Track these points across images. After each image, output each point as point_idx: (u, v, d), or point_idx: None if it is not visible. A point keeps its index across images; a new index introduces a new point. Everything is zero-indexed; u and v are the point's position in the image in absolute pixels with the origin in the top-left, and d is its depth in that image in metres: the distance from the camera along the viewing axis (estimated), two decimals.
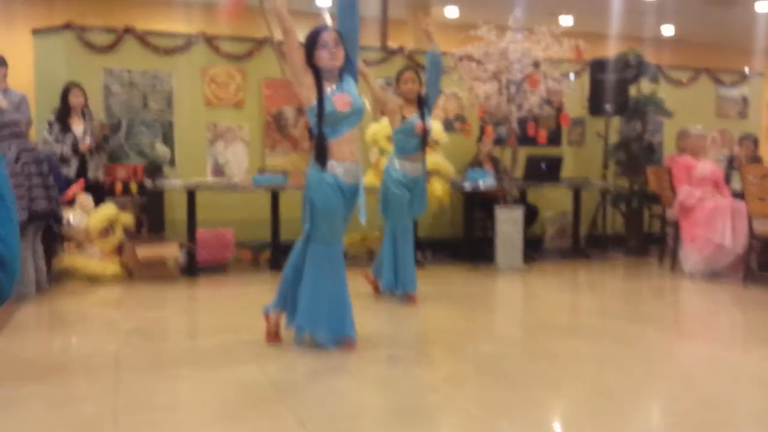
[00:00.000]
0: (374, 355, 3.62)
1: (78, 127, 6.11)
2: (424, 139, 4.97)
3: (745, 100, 9.11)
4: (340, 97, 3.56)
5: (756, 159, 7.10)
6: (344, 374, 3.34)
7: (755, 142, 7.17)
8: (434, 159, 6.58)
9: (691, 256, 6.26)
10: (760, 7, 11.00)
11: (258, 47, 7.09)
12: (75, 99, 6.10)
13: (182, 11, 9.89)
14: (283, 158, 7.13)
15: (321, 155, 3.59)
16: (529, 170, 7.04)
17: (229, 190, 6.25)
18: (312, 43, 3.59)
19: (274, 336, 3.82)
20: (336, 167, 3.59)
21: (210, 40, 6.93)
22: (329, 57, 3.56)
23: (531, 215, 7.02)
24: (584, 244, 7.60)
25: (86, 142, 6.06)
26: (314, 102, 3.58)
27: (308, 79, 3.59)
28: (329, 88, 3.59)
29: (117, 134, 6.57)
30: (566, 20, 10.99)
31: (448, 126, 7.42)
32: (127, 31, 6.69)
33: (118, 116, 6.61)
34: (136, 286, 5.49)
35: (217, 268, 6.34)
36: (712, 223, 6.09)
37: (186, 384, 3.20)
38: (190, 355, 3.75)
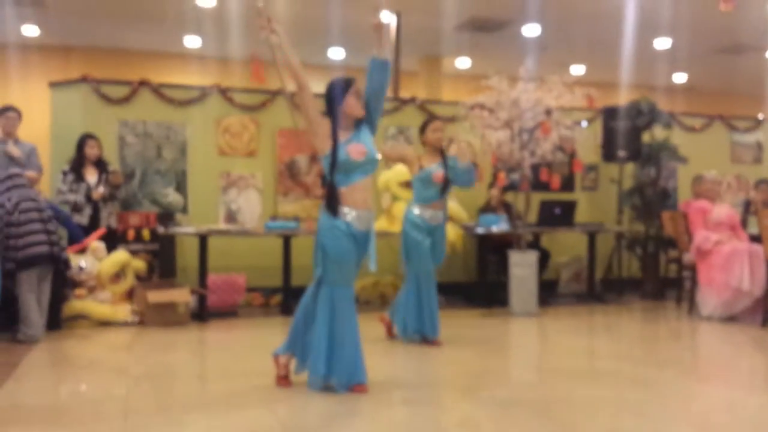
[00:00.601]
0: (388, 398, 3.58)
1: (92, 177, 6.21)
2: (444, 188, 5.01)
3: (759, 146, 9.09)
4: (355, 146, 3.64)
5: None
6: (357, 417, 3.30)
7: None
8: (447, 204, 6.59)
9: (708, 299, 6.18)
10: None
11: (271, 98, 7.21)
12: (90, 150, 6.22)
13: (197, 64, 10.16)
14: (296, 205, 7.18)
15: (332, 203, 3.63)
16: (543, 215, 7.02)
17: (240, 235, 6.27)
18: (341, 91, 3.70)
19: (283, 379, 3.78)
20: (348, 214, 3.63)
21: (224, 92, 7.08)
22: (358, 107, 3.69)
23: (543, 259, 6.97)
24: (600, 289, 7.53)
25: (99, 191, 6.14)
26: (329, 150, 3.64)
27: (324, 128, 3.67)
28: (344, 137, 3.66)
29: (131, 183, 6.65)
30: (578, 70, 11.14)
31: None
32: (143, 83, 6.85)
33: (132, 166, 6.72)
34: (147, 331, 5.47)
35: (228, 313, 6.32)
36: (729, 267, 6.02)
37: (195, 429, 3.15)
38: (199, 399, 3.71)
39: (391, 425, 3.23)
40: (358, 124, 3.74)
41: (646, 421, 3.24)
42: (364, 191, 3.69)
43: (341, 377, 3.62)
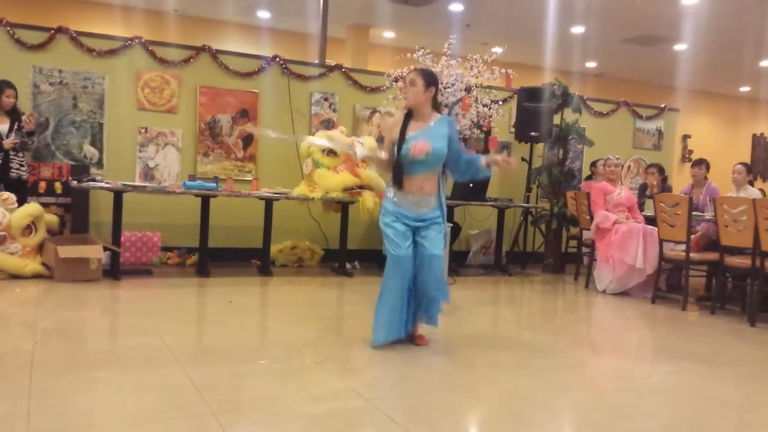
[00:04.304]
0: (300, 362, 3.66)
1: (4, 125, 5.99)
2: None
3: (660, 133, 9.64)
4: (419, 143, 3.81)
5: (667, 188, 7.52)
6: (268, 378, 3.36)
7: (660, 170, 7.57)
8: (367, 173, 6.73)
9: (604, 275, 6.59)
10: (677, 47, 11.70)
11: (195, 54, 7.09)
12: (7, 99, 6.00)
13: (120, 14, 9.81)
14: (216, 165, 7.13)
15: (397, 178, 3.89)
16: (457, 189, 7.26)
17: (157, 193, 6.19)
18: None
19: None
20: (401, 197, 3.89)
21: (146, 45, 6.89)
22: (408, 96, 3.91)
23: (455, 231, 7.23)
24: (506, 261, 7.88)
25: (11, 139, 5.93)
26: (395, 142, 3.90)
27: (395, 130, 3.94)
28: (413, 131, 3.86)
29: (45, 132, 6.43)
30: (497, 50, 11.47)
31: (382, 143, 7.57)
32: (60, 30, 6.59)
33: (46, 115, 6.49)
34: (57, 286, 5.36)
35: (142, 271, 6.27)
36: (625, 246, 6.43)
37: (104, 386, 3.11)
38: (109, 356, 3.65)
39: (301, 385, 3.30)
40: (439, 118, 3.94)
41: (541, 385, 3.48)
42: (423, 181, 3.89)
43: (377, 333, 3.95)
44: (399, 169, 3.86)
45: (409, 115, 3.92)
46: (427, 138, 3.83)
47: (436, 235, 3.96)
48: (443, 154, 3.88)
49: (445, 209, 4.07)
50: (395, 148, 3.88)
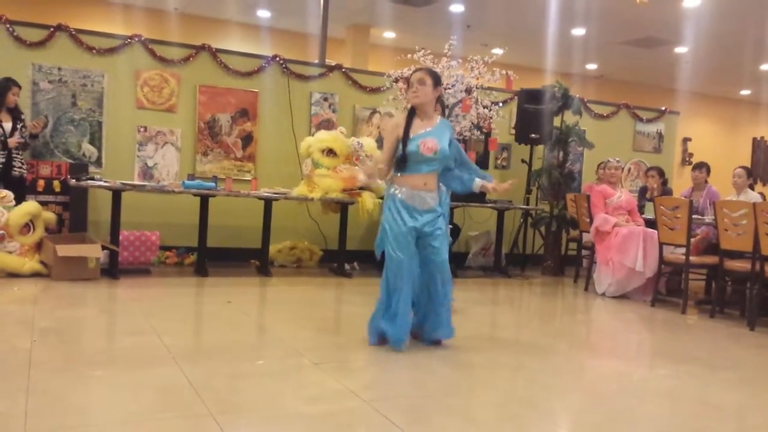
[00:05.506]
0: (298, 362, 3.65)
1: (7, 123, 5.99)
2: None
3: (660, 136, 9.63)
4: (428, 141, 3.83)
5: (667, 191, 7.51)
6: (266, 378, 3.35)
7: (661, 173, 7.56)
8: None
9: (604, 277, 6.58)
10: (678, 50, 11.70)
11: (194, 53, 7.08)
12: (13, 96, 6.02)
13: (121, 13, 9.81)
14: (215, 165, 7.11)
15: (401, 163, 3.86)
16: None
17: (156, 192, 6.17)
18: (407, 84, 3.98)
19: None
20: (406, 193, 3.87)
21: (146, 43, 6.88)
22: (411, 95, 3.92)
23: (454, 233, 7.21)
24: (505, 263, 7.86)
25: (15, 138, 5.93)
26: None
27: (397, 132, 3.91)
28: (420, 129, 3.87)
29: (44, 131, 6.42)
30: (497, 52, 11.47)
31: (382, 143, 7.56)
32: (60, 28, 6.58)
33: (44, 113, 6.47)
34: (55, 285, 5.35)
35: (140, 270, 6.25)
36: (625, 249, 6.42)
37: (101, 385, 3.10)
38: (106, 355, 3.65)
39: (299, 386, 3.29)
40: (441, 120, 3.98)
41: (540, 388, 3.47)
42: (427, 178, 3.90)
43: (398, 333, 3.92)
44: (404, 166, 3.87)
45: (411, 115, 3.92)
46: (434, 137, 3.87)
47: (443, 240, 3.97)
48: (448, 155, 3.92)
49: (447, 205, 4.08)
50: (400, 145, 3.88)
